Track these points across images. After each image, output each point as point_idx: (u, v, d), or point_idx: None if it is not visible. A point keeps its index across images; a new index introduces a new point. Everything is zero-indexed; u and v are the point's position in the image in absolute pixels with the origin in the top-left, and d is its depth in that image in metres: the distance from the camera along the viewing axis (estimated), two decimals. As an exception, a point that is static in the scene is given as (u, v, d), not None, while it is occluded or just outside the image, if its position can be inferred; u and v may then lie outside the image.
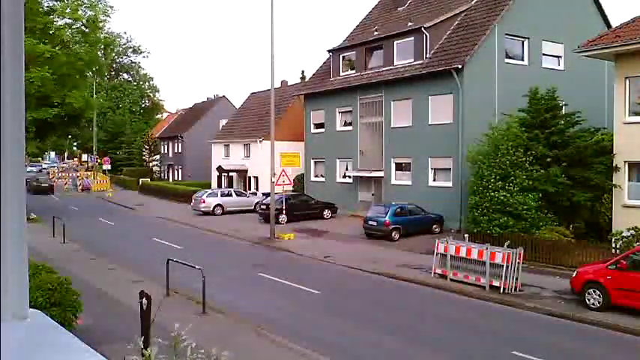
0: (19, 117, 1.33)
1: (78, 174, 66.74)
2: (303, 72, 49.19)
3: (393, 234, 26.31)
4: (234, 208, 37.93)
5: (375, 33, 35.54)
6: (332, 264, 22.08)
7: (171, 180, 64.65)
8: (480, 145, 24.77)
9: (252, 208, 37.48)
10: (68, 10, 27.55)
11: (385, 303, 16.80)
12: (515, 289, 17.18)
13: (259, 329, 13.33)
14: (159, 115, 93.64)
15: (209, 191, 40.71)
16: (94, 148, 69.81)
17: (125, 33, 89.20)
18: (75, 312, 11.25)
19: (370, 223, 27.09)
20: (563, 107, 26.21)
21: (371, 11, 41.76)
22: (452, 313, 15.55)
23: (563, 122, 24.96)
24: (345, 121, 36.17)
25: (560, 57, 31.11)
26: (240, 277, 20.01)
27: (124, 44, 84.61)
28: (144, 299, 9.15)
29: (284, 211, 31.85)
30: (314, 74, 40.27)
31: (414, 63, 30.92)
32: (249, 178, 46.59)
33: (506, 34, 29.48)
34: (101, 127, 76.50)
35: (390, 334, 13.65)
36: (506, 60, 29.52)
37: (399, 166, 32.21)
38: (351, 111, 35.37)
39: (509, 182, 22.99)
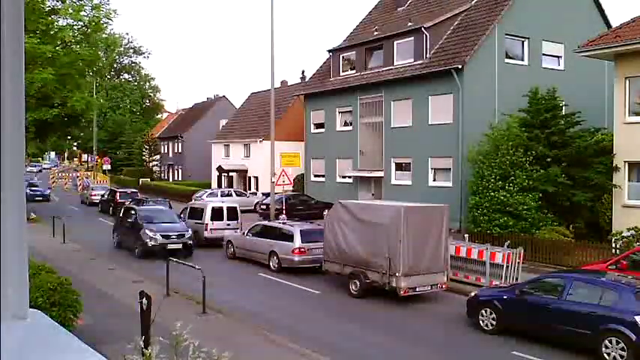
0: (19, 117, 1.33)
1: (78, 174, 66.70)
2: (303, 72, 49.01)
3: (393, 234, 26.25)
4: (234, 208, 37.88)
5: (375, 33, 35.53)
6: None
7: (171, 180, 64.67)
8: (480, 145, 24.77)
9: (252, 208, 37.48)
10: (70, 11, 27.51)
11: (385, 303, 16.79)
12: (516, 289, 17.16)
13: (259, 329, 13.33)
14: (159, 115, 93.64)
15: (209, 191, 40.74)
16: (94, 148, 69.78)
17: (127, 34, 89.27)
18: (75, 312, 11.22)
19: (370, 223, 27.03)
20: (563, 107, 26.21)
21: (371, 11, 41.75)
22: (452, 313, 15.54)
23: (563, 122, 24.96)
24: (345, 121, 36.17)
25: (560, 57, 31.10)
26: (240, 277, 20.01)
27: (126, 44, 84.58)
28: (144, 299, 9.15)
29: (284, 211, 31.82)
30: (314, 74, 40.26)
31: (414, 63, 30.92)
32: (249, 178, 46.60)
33: (506, 34, 29.48)
34: (101, 127, 76.50)
35: (389, 334, 13.65)
36: (506, 60, 29.52)
37: (399, 166, 32.21)
38: (351, 111, 35.37)
39: (509, 182, 22.99)
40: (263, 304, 16.14)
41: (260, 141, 44.33)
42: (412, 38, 31.30)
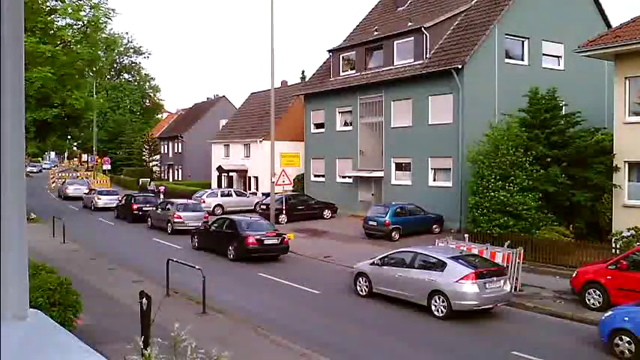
0: (19, 117, 1.33)
1: (78, 174, 66.65)
2: (303, 72, 49.17)
3: (393, 234, 26.30)
4: (234, 208, 37.85)
5: (375, 33, 35.53)
6: (332, 264, 22.09)
7: (171, 180, 64.65)
8: (480, 145, 24.75)
9: (252, 208, 37.46)
10: (70, 11, 27.46)
11: (384, 303, 16.77)
12: (515, 289, 17.15)
13: (259, 329, 13.32)
14: (159, 115, 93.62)
15: (209, 191, 40.70)
16: (94, 148, 69.76)
17: (127, 33, 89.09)
18: (75, 312, 11.22)
19: (370, 223, 27.07)
20: (563, 107, 26.20)
21: (371, 11, 41.75)
22: (451, 313, 15.51)
23: (563, 122, 24.95)
24: (345, 121, 36.17)
25: (560, 57, 31.10)
26: (240, 277, 20.01)
27: (125, 44, 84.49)
28: (144, 299, 9.14)
29: (284, 211, 31.83)
30: (314, 74, 40.26)
31: (414, 63, 30.91)
32: (249, 178, 46.58)
33: (506, 34, 29.48)
34: (101, 127, 76.46)
35: (389, 334, 13.64)
36: (506, 60, 29.52)
37: (399, 166, 32.21)
38: (351, 111, 35.36)
39: (509, 182, 22.97)
40: (263, 304, 16.13)
41: (260, 141, 44.30)
42: (412, 38, 31.29)
